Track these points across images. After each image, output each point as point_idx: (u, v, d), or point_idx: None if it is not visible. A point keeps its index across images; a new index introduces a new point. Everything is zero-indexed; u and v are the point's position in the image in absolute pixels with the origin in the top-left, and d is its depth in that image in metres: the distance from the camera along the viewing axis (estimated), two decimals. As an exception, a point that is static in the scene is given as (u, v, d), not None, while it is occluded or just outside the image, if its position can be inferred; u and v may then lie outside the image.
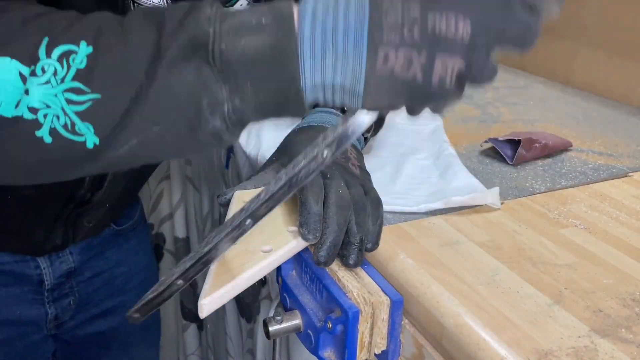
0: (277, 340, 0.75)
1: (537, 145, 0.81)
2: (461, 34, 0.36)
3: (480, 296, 0.51)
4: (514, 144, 0.80)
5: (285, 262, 0.58)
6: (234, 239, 0.44)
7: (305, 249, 0.58)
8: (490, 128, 0.95)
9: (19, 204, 0.68)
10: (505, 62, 1.35)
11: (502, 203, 0.68)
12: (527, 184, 0.74)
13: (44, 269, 0.75)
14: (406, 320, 0.54)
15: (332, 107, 0.51)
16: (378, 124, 0.78)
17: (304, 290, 0.59)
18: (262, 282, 0.90)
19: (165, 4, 0.58)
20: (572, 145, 0.87)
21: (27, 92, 0.38)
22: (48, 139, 0.39)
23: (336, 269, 0.56)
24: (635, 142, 0.91)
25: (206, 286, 0.51)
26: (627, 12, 1.11)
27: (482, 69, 0.38)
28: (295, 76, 0.38)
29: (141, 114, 0.39)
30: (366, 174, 0.63)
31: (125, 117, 0.39)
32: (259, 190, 0.65)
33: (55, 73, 0.39)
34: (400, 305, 0.53)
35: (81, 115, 0.39)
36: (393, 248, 0.58)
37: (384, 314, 0.53)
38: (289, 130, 0.68)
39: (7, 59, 0.38)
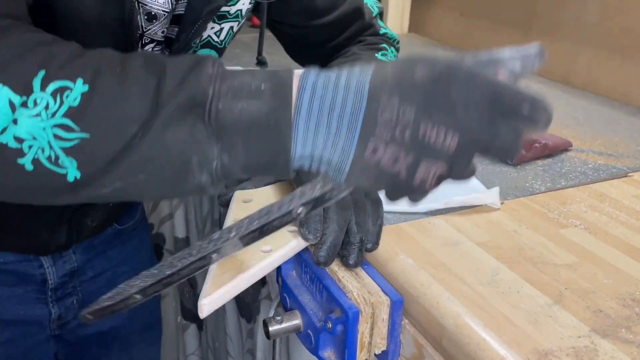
0: (277, 341, 0.75)
1: (537, 145, 0.81)
2: (448, 145, 0.38)
3: (481, 296, 0.51)
4: (514, 144, 0.80)
5: (285, 262, 0.58)
6: (197, 269, 0.44)
7: (305, 249, 0.58)
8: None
9: (23, 204, 0.68)
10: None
11: (502, 203, 0.68)
12: (527, 184, 0.74)
13: (47, 268, 0.75)
14: (406, 321, 0.54)
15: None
16: None
17: (304, 290, 0.59)
18: (262, 282, 0.90)
19: (170, 5, 0.58)
20: (572, 145, 0.87)
21: (15, 121, 0.38)
22: (29, 167, 0.39)
23: (336, 269, 0.56)
24: (635, 142, 0.91)
25: (206, 286, 0.51)
26: (627, 12, 1.11)
27: (462, 173, 0.40)
28: (286, 146, 0.39)
29: (129, 162, 0.39)
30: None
31: (112, 163, 0.39)
32: (258, 190, 0.65)
33: (47, 107, 0.38)
34: (400, 305, 0.53)
35: (67, 151, 0.39)
36: (393, 248, 0.58)
37: (384, 314, 0.53)
38: None
39: (0, 86, 0.38)
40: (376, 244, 0.57)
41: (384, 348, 0.55)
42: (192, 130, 0.39)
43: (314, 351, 0.55)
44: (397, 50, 0.82)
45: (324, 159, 0.39)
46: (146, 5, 0.57)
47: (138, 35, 0.58)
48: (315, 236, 0.54)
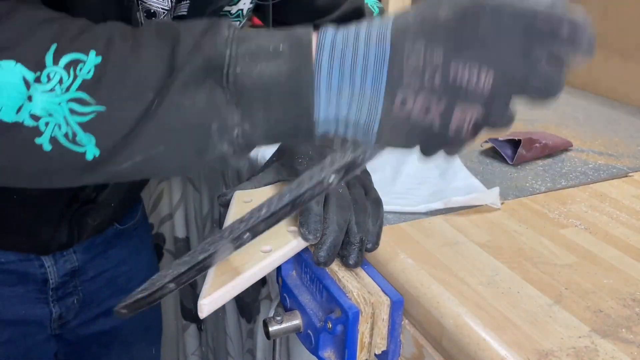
0: (277, 341, 0.75)
1: (537, 145, 0.81)
2: (482, 85, 0.35)
3: (481, 296, 0.51)
4: (514, 144, 0.80)
5: (285, 262, 0.58)
6: (231, 251, 0.43)
7: (305, 249, 0.58)
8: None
9: (24, 204, 0.68)
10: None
11: (502, 203, 0.68)
12: (527, 184, 0.74)
13: (48, 267, 0.75)
14: (406, 321, 0.54)
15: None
16: None
17: (304, 291, 0.59)
18: (262, 282, 0.90)
19: (170, 3, 0.58)
20: (572, 145, 0.87)
21: (30, 98, 0.37)
22: (47, 147, 0.38)
23: (336, 269, 0.56)
24: (635, 142, 0.91)
25: (206, 286, 0.51)
26: (627, 12, 1.11)
27: (500, 118, 0.37)
28: (309, 108, 0.37)
29: (147, 133, 0.38)
30: (366, 174, 0.63)
31: (130, 134, 0.38)
32: (258, 190, 0.65)
33: (60, 81, 0.38)
34: (400, 305, 0.53)
35: (84, 126, 0.38)
36: (393, 248, 0.58)
37: (384, 314, 0.53)
38: None
39: (12, 63, 0.37)
40: (376, 244, 0.57)
41: (384, 348, 0.55)
42: (210, 96, 0.38)
43: (314, 351, 0.55)
44: None
45: (350, 120, 0.37)
46: (145, 2, 0.57)
47: None
48: (315, 236, 0.54)
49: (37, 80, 0.37)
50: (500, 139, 0.82)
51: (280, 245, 0.54)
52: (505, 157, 0.80)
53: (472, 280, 0.54)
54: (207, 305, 0.50)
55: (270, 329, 0.56)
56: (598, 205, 0.69)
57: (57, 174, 0.41)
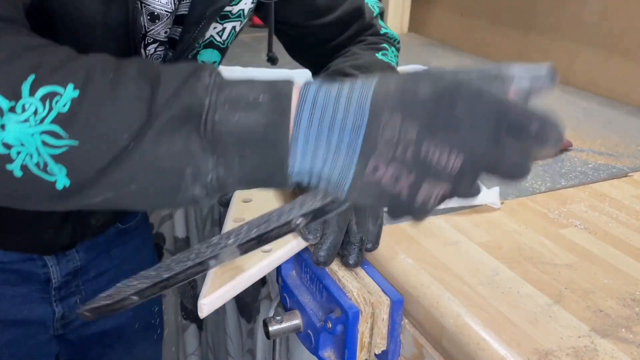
0: (277, 340, 0.75)
1: (537, 145, 0.81)
2: (451, 166, 0.37)
3: (481, 296, 0.51)
4: (514, 144, 0.80)
5: (285, 262, 0.58)
6: (195, 274, 0.44)
7: (305, 249, 0.58)
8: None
9: None
10: (504, 61, 1.35)
11: (502, 203, 0.68)
12: (527, 184, 0.74)
13: (51, 267, 0.75)
14: (406, 321, 0.54)
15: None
16: None
17: (304, 290, 0.59)
18: (262, 282, 0.90)
19: (173, 5, 0.58)
20: (572, 145, 0.87)
21: (3, 127, 0.37)
22: (18, 174, 0.38)
23: (336, 269, 0.56)
24: (635, 142, 0.91)
25: (206, 286, 0.51)
26: (627, 12, 1.11)
27: (466, 192, 0.39)
28: (283, 160, 0.38)
29: (120, 172, 0.38)
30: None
31: (102, 172, 0.38)
32: (258, 189, 0.65)
33: (35, 112, 0.37)
34: (400, 305, 0.53)
35: (55, 158, 0.38)
36: (393, 248, 0.58)
37: (384, 314, 0.53)
38: None
39: None
40: (376, 244, 0.57)
41: (384, 348, 0.55)
42: (186, 142, 0.38)
43: (314, 351, 0.55)
44: (398, 50, 0.82)
45: (324, 175, 0.38)
46: (149, 5, 0.57)
47: (141, 35, 0.58)
48: (315, 236, 0.54)
49: (12, 110, 0.37)
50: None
51: (280, 245, 0.55)
52: (505, 157, 0.80)
53: (472, 280, 0.54)
54: (207, 305, 0.50)
55: (270, 328, 0.56)
56: (598, 205, 0.69)
57: (28, 199, 0.41)
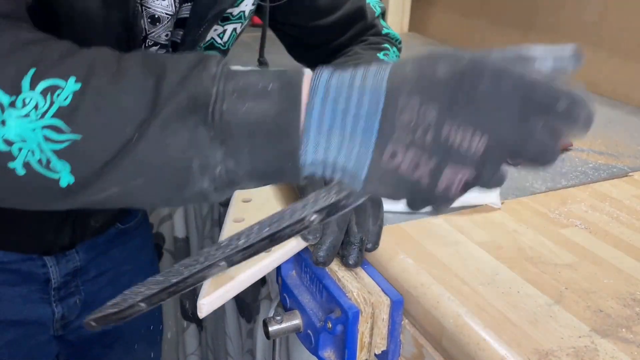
0: (277, 341, 0.75)
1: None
2: (475, 148, 0.35)
3: (481, 296, 0.51)
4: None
5: (285, 262, 0.58)
6: (204, 278, 0.42)
7: (305, 249, 0.58)
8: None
9: None
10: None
11: (502, 203, 0.68)
12: (528, 184, 0.74)
13: (51, 267, 0.75)
14: (406, 321, 0.54)
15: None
16: None
17: (304, 290, 0.59)
18: (262, 282, 0.90)
19: (174, 8, 0.58)
20: (572, 145, 0.87)
21: (3, 122, 0.36)
22: (21, 172, 0.37)
23: (336, 269, 0.56)
24: (635, 141, 0.91)
25: (205, 286, 0.51)
26: (627, 12, 1.11)
27: (491, 179, 0.37)
28: (296, 151, 0.36)
29: (125, 166, 0.37)
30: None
31: (107, 166, 0.37)
32: (257, 189, 0.65)
33: (36, 107, 0.36)
34: (400, 305, 0.53)
35: (58, 153, 0.37)
36: (393, 248, 0.58)
37: (384, 314, 0.53)
38: None
39: None
40: (376, 244, 0.57)
41: (384, 348, 0.55)
42: (193, 133, 0.37)
43: (314, 351, 0.55)
44: (399, 50, 0.82)
45: (338, 165, 0.36)
46: (149, 8, 0.57)
47: (141, 38, 0.58)
48: (315, 236, 0.54)
49: (12, 104, 0.36)
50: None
51: (280, 245, 0.54)
52: (506, 157, 0.80)
53: (472, 280, 0.53)
54: (206, 305, 0.50)
55: (270, 329, 0.56)
56: (598, 205, 0.69)
57: (31, 198, 0.40)
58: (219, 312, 1.10)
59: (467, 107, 0.34)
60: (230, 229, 0.59)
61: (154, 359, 0.99)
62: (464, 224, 0.63)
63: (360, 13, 0.78)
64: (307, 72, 0.38)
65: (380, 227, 0.57)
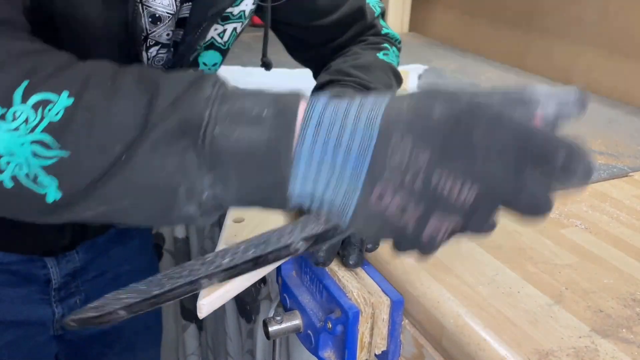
0: (277, 341, 0.75)
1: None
2: (464, 198, 0.34)
3: (481, 296, 0.51)
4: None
5: (285, 262, 0.58)
6: (184, 294, 0.41)
7: (305, 249, 0.57)
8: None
9: None
10: (504, 60, 1.35)
11: (502, 203, 0.68)
12: (528, 184, 0.74)
13: (51, 268, 0.75)
14: (406, 321, 0.54)
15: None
16: None
17: (304, 291, 0.59)
18: (262, 282, 0.90)
19: (175, 7, 0.58)
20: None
21: None
22: (8, 184, 0.36)
23: (336, 269, 0.56)
24: (635, 141, 0.91)
25: (206, 286, 0.51)
26: (627, 12, 1.11)
27: (480, 227, 0.36)
28: (284, 182, 0.36)
29: (112, 186, 0.36)
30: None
31: (94, 185, 0.36)
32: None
33: (26, 121, 0.36)
34: (400, 305, 0.53)
35: (46, 169, 0.36)
36: (393, 248, 0.58)
37: (384, 314, 0.53)
38: None
39: None
40: (377, 244, 0.57)
41: (384, 348, 0.55)
42: (182, 158, 0.36)
43: (314, 351, 0.55)
44: (399, 50, 0.82)
45: (326, 199, 0.36)
46: (150, 7, 0.56)
47: (142, 37, 0.58)
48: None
49: (2, 117, 0.36)
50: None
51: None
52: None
53: (472, 280, 0.53)
54: (206, 305, 0.50)
55: (270, 329, 0.56)
56: (598, 205, 0.69)
57: (19, 210, 0.40)
58: (219, 312, 1.10)
59: (460, 154, 0.33)
60: (230, 229, 0.59)
61: (154, 358, 0.99)
62: (464, 224, 0.63)
63: (360, 13, 0.78)
64: (304, 98, 0.37)
65: (381, 228, 0.57)
